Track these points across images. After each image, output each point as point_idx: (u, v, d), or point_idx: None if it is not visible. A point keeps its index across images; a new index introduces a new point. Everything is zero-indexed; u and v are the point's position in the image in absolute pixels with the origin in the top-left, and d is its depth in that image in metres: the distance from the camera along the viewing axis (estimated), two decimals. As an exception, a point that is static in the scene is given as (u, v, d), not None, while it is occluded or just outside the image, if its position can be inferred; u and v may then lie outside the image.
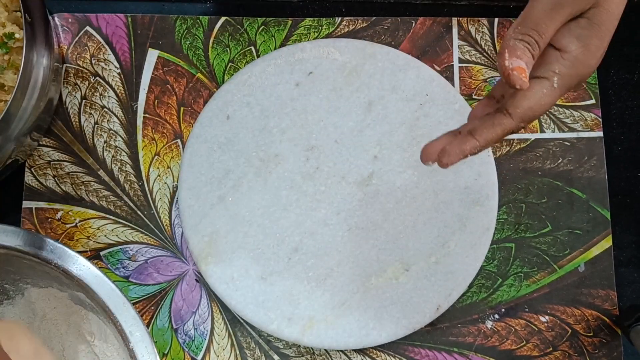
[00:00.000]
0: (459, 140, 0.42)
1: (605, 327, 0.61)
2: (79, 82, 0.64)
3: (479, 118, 0.44)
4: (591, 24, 0.40)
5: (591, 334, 0.61)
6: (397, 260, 0.59)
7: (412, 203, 0.60)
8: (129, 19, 0.65)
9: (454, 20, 0.65)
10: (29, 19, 0.54)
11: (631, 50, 0.66)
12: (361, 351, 0.60)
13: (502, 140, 0.43)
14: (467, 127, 0.44)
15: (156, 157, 0.63)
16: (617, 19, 0.40)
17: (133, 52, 0.65)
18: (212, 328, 0.60)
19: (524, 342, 0.61)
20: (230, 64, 0.65)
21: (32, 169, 0.63)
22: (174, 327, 0.60)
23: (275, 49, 0.65)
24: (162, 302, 0.61)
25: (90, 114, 0.64)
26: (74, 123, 0.64)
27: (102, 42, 0.65)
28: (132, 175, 0.63)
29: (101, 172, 0.63)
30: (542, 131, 0.64)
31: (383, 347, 0.60)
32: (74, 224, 0.62)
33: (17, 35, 0.56)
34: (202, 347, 0.60)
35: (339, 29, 0.65)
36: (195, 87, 0.64)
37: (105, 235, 0.62)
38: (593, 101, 0.64)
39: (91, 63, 0.65)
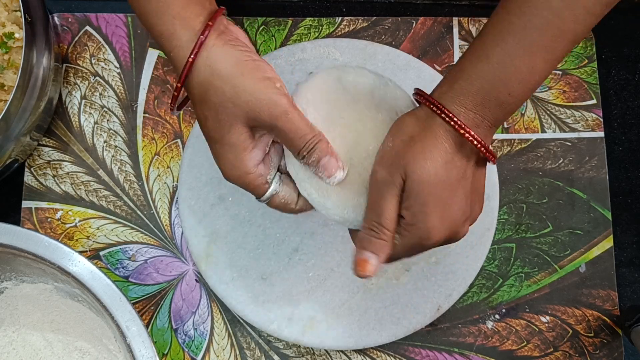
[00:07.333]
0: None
1: (606, 327, 0.61)
2: (78, 81, 0.64)
3: None
4: (408, 196, 0.43)
5: (592, 335, 0.61)
6: (398, 261, 0.59)
7: (413, 203, 0.60)
8: (129, 19, 0.65)
9: (455, 20, 0.65)
10: (29, 18, 0.54)
11: (632, 51, 0.66)
12: (361, 351, 0.60)
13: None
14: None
15: (156, 156, 0.63)
16: (435, 185, 0.43)
17: (133, 51, 0.65)
18: (212, 328, 0.60)
19: (525, 343, 0.60)
20: (230, 63, 0.64)
21: (32, 169, 0.63)
22: (174, 327, 0.60)
23: (275, 48, 0.65)
24: (162, 302, 0.61)
25: (90, 113, 0.64)
26: (73, 123, 0.64)
27: (102, 41, 0.65)
28: (131, 175, 0.63)
29: (101, 172, 0.63)
30: (543, 131, 0.63)
31: (383, 347, 0.60)
32: (73, 224, 0.62)
33: (16, 35, 0.56)
34: (201, 347, 0.60)
35: (339, 29, 0.65)
36: (196, 86, 0.64)
37: (105, 235, 0.62)
38: (594, 101, 0.64)
39: (91, 63, 0.65)
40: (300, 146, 0.44)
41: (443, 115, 0.42)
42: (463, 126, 0.42)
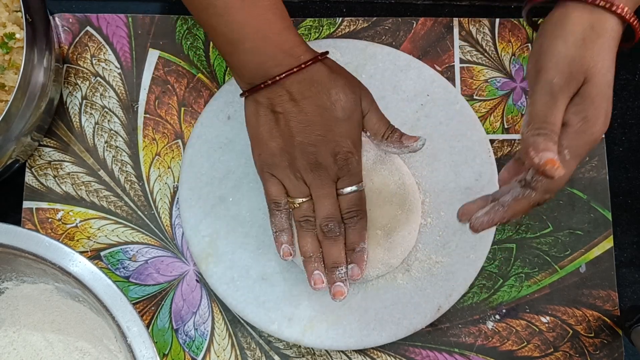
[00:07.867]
0: (489, 210, 0.47)
1: (606, 327, 0.61)
2: (79, 82, 0.64)
3: (510, 188, 0.48)
4: (584, 99, 0.44)
5: (592, 335, 0.61)
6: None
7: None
8: (130, 19, 0.65)
9: (455, 20, 0.65)
10: (30, 19, 0.54)
11: (632, 51, 0.66)
12: (362, 351, 0.60)
13: (530, 210, 0.47)
14: (495, 195, 0.48)
15: (157, 157, 0.63)
16: (609, 86, 0.44)
17: (134, 52, 0.65)
18: (213, 328, 0.60)
19: (525, 343, 0.60)
20: (231, 64, 0.64)
21: (33, 169, 0.63)
22: (175, 327, 0.60)
23: (276, 49, 0.65)
24: (163, 303, 0.61)
25: (91, 114, 0.64)
26: (74, 123, 0.64)
27: (103, 42, 0.65)
28: (132, 176, 0.63)
29: (102, 173, 0.63)
30: (543, 131, 0.63)
31: (384, 348, 0.60)
32: (74, 224, 0.62)
33: (17, 36, 0.56)
34: (202, 347, 0.60)
35: (339, 29, 0.65)
36: (196, 87, 0.64)
37: (105, 236, 0.62)
38: (594, 101, 0.64)
39: (92, 63, 0.65)
40: (388, 124, 0.54)
41: (614, 8, 0.43)
42: (632, 16, 0.44)
